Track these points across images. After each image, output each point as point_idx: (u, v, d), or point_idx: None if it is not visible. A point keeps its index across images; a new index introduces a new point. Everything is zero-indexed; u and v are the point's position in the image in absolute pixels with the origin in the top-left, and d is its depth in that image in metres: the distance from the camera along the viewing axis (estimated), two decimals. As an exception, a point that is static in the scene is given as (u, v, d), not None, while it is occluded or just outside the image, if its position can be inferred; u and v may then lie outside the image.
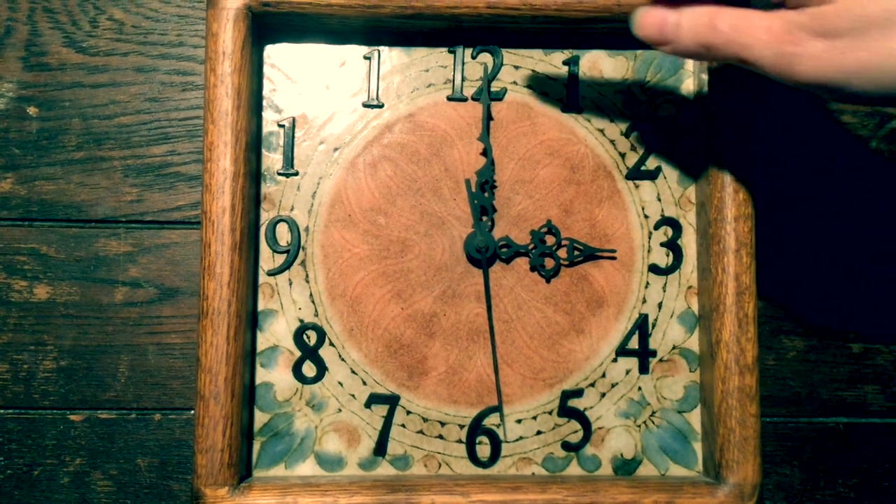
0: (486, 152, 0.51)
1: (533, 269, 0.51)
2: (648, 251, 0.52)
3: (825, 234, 0.56)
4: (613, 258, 0.52)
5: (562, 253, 0.52)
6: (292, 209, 0.51)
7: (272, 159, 0.51)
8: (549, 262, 0.52)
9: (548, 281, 0.52)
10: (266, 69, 0.52)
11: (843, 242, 0.56)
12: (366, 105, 0.52)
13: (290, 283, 0.51)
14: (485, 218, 0.51)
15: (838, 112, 0.57)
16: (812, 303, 0.56)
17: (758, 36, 0.38)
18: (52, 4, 0.55)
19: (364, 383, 0.51)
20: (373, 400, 0.51)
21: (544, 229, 0.51)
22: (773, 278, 0.56)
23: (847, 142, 0.57)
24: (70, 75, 0.55)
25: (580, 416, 0.51)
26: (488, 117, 0.51)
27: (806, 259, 0.56)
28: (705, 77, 0.50)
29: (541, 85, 0.52)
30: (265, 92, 0.52)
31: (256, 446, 0.50)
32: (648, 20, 0.42)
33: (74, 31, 0.55)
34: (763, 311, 0.55)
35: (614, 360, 0.52)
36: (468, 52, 0.52)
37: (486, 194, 0.51)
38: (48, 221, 0.54)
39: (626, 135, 0.53)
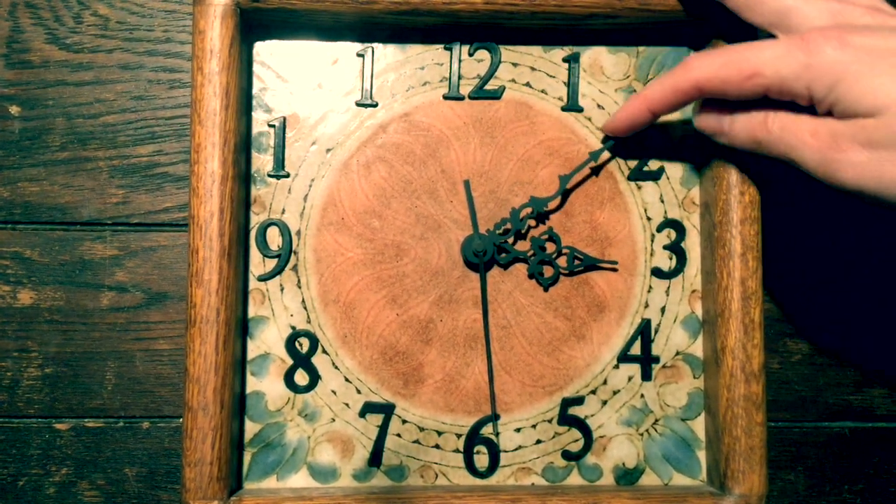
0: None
1: (531, 276, 0.50)
2: (651, 254, 0.51)
3: (831, 234, 0.55)
4: (615, 270, 0.50)
5: (561, 261, 0.50)
6: (283, 212, 0.50)
7: (262, 160, 0.50)
8: (549, 271, 0.50)
9: (546, 289, 0.50)
10: (255, 67, 0.50)
11: (850, 242, 0.55)
12: (359, 104, 0.50)
13: (282, 289, 0.49)
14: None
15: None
16: (817, 305, 0.55)
17: (805, 139, 0.41)
18: (35, 0, 0.53)
19: (358, 392, 0.49)
20: (367, 409, 0.49)
21: (544, 236, 0.50)
22: (777, 280, 0.55)
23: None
24: (53, 73, 0.53)
25: (581, 425, 0.50)
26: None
27: (812, 260, 0.55)
28: (710, 74, 0.49)
29: (540, 83, 0.51)
30: (255, 91, 0.50)
31: (247, 457, 0.49)
32: (708, 111, 0.46)
33: (58, 27, 0.54)
34: (767, 314, 0.54)
35: (616, 367, 0.50)
36: (465, 49, 0.51)
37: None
38: (31, 224, 0.53)
39: (628, 134, 0.51)
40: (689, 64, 0.44)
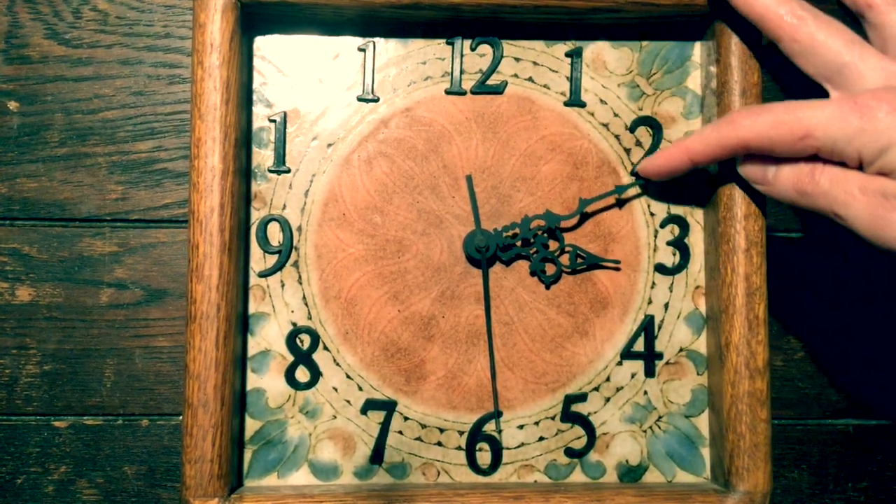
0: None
1: (533, 273, 0.50)
2: (654, 250, 0.50)
3: (833, 230, 0.55)
4: (618, 269, 0.50)
5: (564, 259, 0.50)
6: (284, 208, 0.49)
7: (263, 156, 0.49)
8: (551, 268, 0.50)
9: (548, 287, 0.50)
10: (256, 62, 0.50)
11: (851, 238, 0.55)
12: (360, 99, 0.50)
13: (283, 285, 0.49)
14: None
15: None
16: (822, 302, 0.55)
17: (854, 194, 0.40)
18: (33, -6, 0.53)
19: (360, 388, 0.49)
20: (369, 406, 0.49)
21: (539, 220, 0.50)
22: (782, 276, 0.54)
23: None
24: (52, 68, 0.53)
25: (584, 422, 0.50)
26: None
27: (815, 255, 0.55)
28: (713, 69, 0.48)
29: (542, 78, 0.51)
30: (255, 85, 0.50)
31: (248, 455, 0.48)
32: (753, 159, 0.44)
33: (56, 22, 0.53)
34: (770, 311, 0.54)
35: (619, 363, 0.50)
36: (467, 43, 0.50)
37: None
38: (30, 220, 0.52)
39: (631, 129, 0.51)
40: (736, 120, 0.43)
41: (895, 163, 0.38)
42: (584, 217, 0.50)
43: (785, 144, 0.41)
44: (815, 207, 0.42)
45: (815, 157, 0.42)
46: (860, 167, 0.40)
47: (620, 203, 0.50)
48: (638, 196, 0.50)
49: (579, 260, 0.50)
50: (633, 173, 0.50)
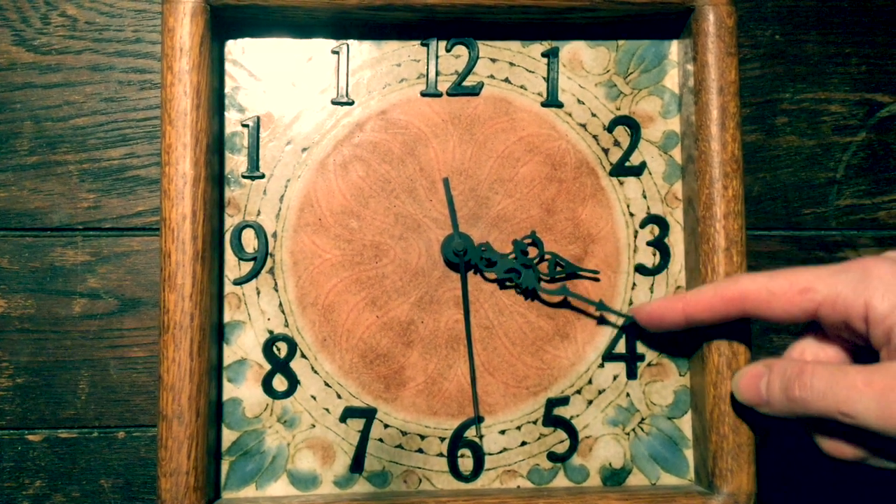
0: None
1: (514, 285, 0.49)
2: (634, 251, 0.50)
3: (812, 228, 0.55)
4: (597, 279, 0.50)
5: (543, 267, 0.49)
6: (259, 214, 0.49)
7: (236, 161, 0.49)
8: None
9: (526, 298, 0.49)
10: (227, 66, 0.49)
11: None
12: (335, 102, 0.49)
13: (258, 293, 0.48)
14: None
15: (826, 101, 0.55)
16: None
17: (858, 388, 0.36)
18: (0, 0, 0.52)
19: (338, 396, 0.48)
20: (348, 414, 0.48)
21: (527, 240, 0.49)
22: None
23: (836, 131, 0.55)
24: (21, 75, 0.52)
25: (566, 425, 0.49)
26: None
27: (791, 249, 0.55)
28: (691, 68, 0.48)
29: (519, 78, 0.50)
30: (227, 90, 0.49)
31: (225, 466, 0.47)
32: (745, 383, 0.42)
33: (24, 28, 0.52)
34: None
35: (601, 366, 0.50)
36: (442, 44, 0.50)
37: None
38: (0, 231, 0.51)
39: (609, 129, 0.50)
40: (738, 277, 0.42)
41: None
42: (563, 214, 0.50)
43: (784, 299, 0.40)
44: (816, 412, 0.38)
45: (812, 322, 0.40)
46: (864, 336, 0.38)
47: (600, 204, 0.50)
48: (626, 323, 0.49)
49: (558, 268, 0.49)
50: (627, 315, 0.49)
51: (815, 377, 0.38)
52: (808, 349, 0.42)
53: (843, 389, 0.37)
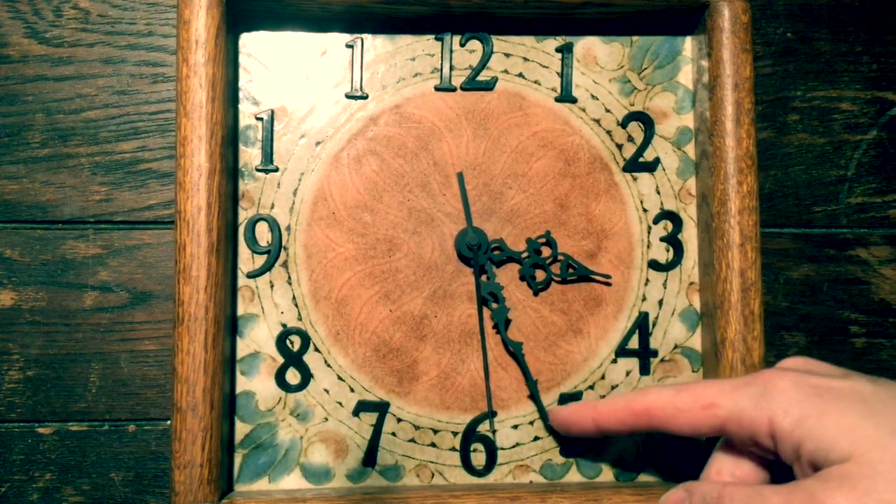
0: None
1: (522, 279, 0.49)
2: (648, 246, 0.50)
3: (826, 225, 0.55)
4: (608, 284, 0.50)
5: (555, 268, 0.49)
6: (272, 207, 0.48)
7: (250, 154, 0.49)
8: (541, 275, 0.49)
9: (535, 294, 0.49)
10: (242, 59, 0.49)
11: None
12: (349, 96, 0.49)
13: (272, 286, 0.48)
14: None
15: (838, 99, 0.55)
16: (812, 297, 0.55)
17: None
18: (12, -8, 0.52)
19: (351, 390, 0.48)
20: (361, 407, 0.48)
21: (541, 239, 0.49)
22: (772, 272, 0.54)
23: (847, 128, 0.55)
24: (33, 68, 0.52)
25: (579, 421, 0.49)
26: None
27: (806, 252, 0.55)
28: (705, 64, 0.48)
29: (533, 73, 0.50)
30: (241, 83, 0.49)
31: (238, 459, 0.47)
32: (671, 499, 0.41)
33: (37, 20, 0.52)
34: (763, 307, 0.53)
35: (614, 361, 0.50)
36: (457, 39, 0.50)
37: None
38: (11, 223, 0.51)
39: (623, 125, 0.50)
40: (646, 390, 0.42)
41: (812, 435, 0.36)
42: (576, 209, 0.50)
43: (689, 413, 0.40)
44: None
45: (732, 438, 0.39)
46: (773, 452, 0.38)
47: (613, 199, 0.50)
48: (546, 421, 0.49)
49: (570, 270, 0.49)
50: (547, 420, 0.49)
51: (734, 502, 0.37)
52: (724, 467, 0.41)
53: None
